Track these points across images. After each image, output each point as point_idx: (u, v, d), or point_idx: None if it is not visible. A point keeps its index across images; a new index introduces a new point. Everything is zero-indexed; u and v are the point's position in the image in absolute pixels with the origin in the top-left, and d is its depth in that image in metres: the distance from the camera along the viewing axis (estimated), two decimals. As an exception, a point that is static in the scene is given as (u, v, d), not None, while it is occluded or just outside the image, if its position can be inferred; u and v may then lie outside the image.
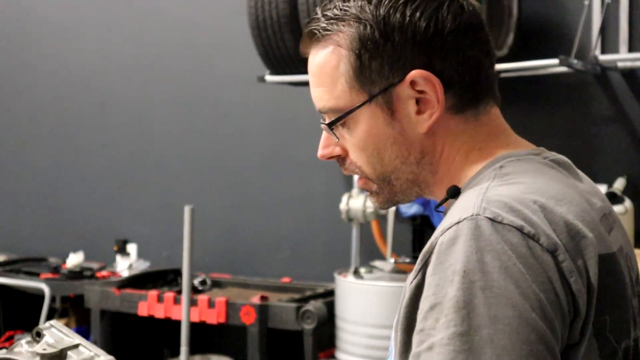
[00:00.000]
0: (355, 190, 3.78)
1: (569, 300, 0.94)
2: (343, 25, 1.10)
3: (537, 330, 0.90)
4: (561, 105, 3.70)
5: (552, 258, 0.94)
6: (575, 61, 3.28)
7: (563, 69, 3.30)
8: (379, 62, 1.08)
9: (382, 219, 3.79)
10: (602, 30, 3.48)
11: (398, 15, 1.07)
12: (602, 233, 1.03)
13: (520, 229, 0.94)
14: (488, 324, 0.89)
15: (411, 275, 1.00)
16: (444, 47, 1.07)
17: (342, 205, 3.75)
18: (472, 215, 0.96)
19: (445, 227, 0.98)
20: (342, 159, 1.17)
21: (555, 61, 3.20)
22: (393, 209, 3.62)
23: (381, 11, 1.07)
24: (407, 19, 1.07)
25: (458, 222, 0.96)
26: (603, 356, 0.99)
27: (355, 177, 3.75)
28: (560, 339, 0.94)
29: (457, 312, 0.91)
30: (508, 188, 1.00)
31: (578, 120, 3.67)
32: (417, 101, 1.09)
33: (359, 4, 1.09)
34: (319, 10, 1.14)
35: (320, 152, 1.18)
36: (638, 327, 1.08)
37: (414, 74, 1.07)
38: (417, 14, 1.07)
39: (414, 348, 0.94)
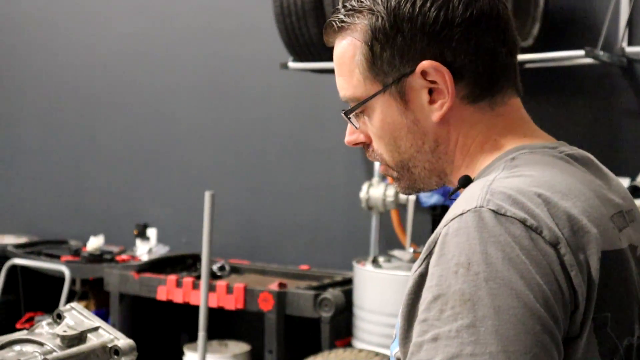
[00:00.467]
0: (375, 179, 3.77)
1: (570, 293, 0.95)
2: (358, 17, 1.12)
3: (542, 321, 0.91)
4: (586, 97, 3.67)
5: (554, 251, 0.94)
6: (601, 53, 3.24)
7: (589, 60, 3.26)
8: (390, 53, 1.10)
9: (402, 208, 3.77)
10: (630, 22, 3.44)
11: (409, 5, 1.08)
12: (608, 229, 1.02)
13: (523, 222, 0.94)
14: (493, 315, 0.90)
15: (416, 264, 1.01)
16: (454, 37, 1.07)
17: (362, 194, 3.74)
18: (475, 207, 0.96)
19: (449, 218, 0.99)
20: (367, 145, 1.19)
21: (581, 52, 3.16)
22: (413, 198, 3.61)
23: (392, 2, 1.09)
24: (417, 9, 1.08)
25: (462, 214, 0.97)
26: (603, 352, 0.98)
27: (376, 166, 3.74)
28: (562, 331, 0.94)
29: (463, 304, 0.91)
30: (514, 180, 1.01)
31: (603, 112, 3.63)
32: (431, 91, 1.10)
33: None
34: (340, 2, 1.15)
35: (347, 138, 1.20)
36: None
37: (424, 64, 1.08)
38: (428, 4, 1.07)
39: (416, 337, 0.94)
